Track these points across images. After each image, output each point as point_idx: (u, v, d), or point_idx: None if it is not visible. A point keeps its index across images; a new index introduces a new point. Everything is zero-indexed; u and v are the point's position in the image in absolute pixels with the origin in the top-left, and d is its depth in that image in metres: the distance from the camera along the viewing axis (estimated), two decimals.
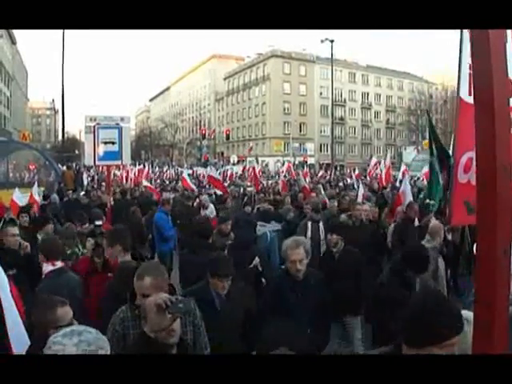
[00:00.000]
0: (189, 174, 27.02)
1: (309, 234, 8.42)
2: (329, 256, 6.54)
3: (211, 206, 12.18)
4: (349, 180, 26.63)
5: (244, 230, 8.00)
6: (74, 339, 2.09)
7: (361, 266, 6.23)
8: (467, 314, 2.75)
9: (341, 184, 23.67)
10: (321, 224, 8.65)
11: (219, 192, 16.51)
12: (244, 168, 36.39)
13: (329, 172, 38.75)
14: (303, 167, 39.80)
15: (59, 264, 5.00)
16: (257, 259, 6.87)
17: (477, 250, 1.36)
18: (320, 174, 34.33)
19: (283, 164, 46.70)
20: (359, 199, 11.25)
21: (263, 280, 6.73)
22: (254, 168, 22.49)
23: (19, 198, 11.72)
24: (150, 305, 2.62)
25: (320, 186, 17.48)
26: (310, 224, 8.62)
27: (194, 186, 20.13)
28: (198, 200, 13.84)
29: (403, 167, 21.64)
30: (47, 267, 4.94)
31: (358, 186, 14.63)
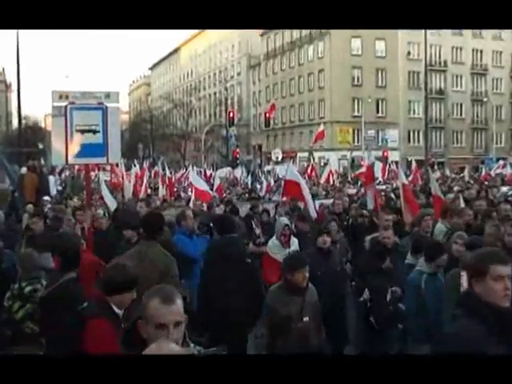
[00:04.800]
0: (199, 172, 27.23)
1: (465, 284, 7.66)
2: None
3: (295, 240, 11.29)
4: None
5: None
6: None
7: None
8: None
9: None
10: None
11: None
12: (307, 168, 35.48)
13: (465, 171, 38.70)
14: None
15: None
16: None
17: None
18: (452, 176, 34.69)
19: (352, 162, 46.31)
20: None
21: None
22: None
23: None
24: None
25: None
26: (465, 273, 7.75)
27: (210, 193, 21.27)
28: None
29: None
30: None
31: None
